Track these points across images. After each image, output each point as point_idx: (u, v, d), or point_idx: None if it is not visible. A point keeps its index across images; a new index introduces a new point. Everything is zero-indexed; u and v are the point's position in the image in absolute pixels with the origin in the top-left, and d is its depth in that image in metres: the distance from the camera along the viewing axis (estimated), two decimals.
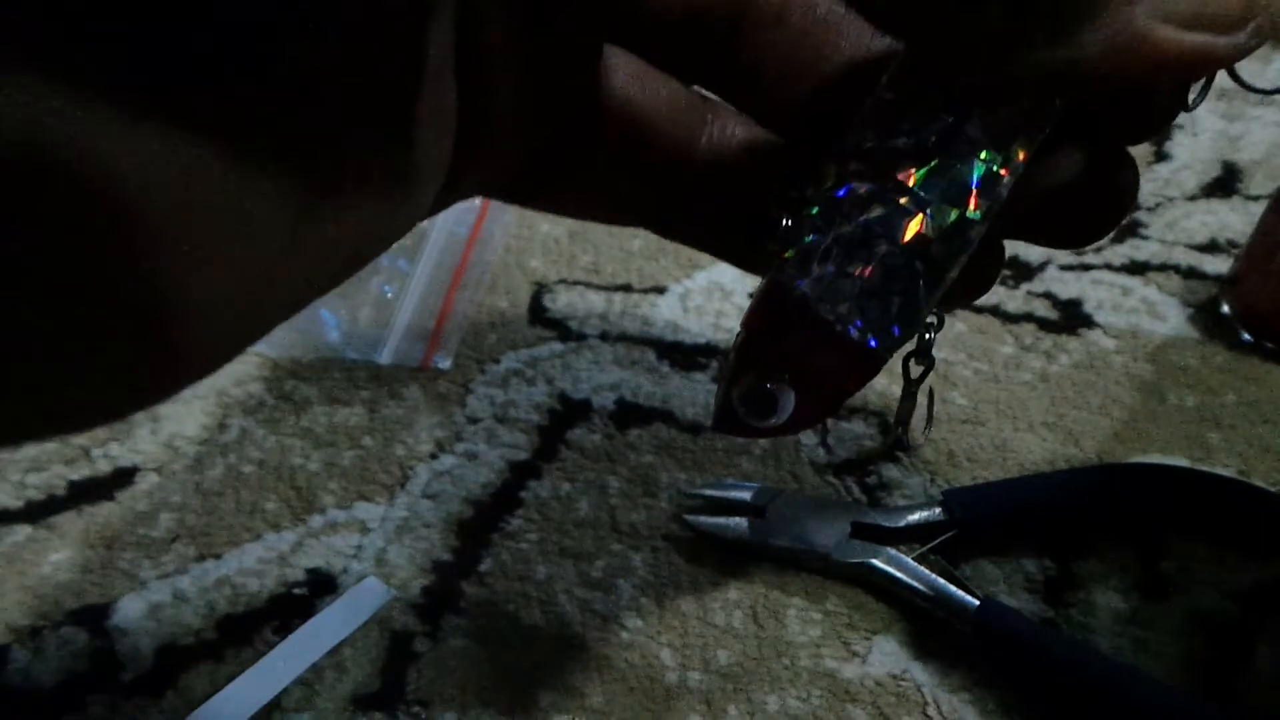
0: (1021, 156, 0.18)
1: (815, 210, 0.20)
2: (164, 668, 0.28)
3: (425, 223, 0.42)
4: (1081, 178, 0.19)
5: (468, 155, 0.18)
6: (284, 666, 0.28)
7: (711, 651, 0.28)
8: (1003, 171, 0.19)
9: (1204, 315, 0.38)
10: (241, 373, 0.37)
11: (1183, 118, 0.49)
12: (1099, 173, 0.19)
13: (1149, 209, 0.43)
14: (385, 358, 0.37)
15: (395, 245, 0.44)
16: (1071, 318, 0.38)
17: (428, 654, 0.28)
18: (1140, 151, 0.47)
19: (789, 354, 0.20)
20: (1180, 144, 0.47)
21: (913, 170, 0.19)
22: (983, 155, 0.18)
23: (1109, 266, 0.40)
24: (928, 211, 0.19)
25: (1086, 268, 0.40)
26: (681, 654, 0.28)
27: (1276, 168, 0.45)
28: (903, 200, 0.19)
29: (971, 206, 0.19)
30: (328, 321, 0.38)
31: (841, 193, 0.19)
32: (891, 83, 0.19)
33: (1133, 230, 0.42)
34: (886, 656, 0.28)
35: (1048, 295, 0.39)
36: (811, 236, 0.20)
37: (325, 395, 0.36)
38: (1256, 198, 0.43)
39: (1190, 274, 0.40)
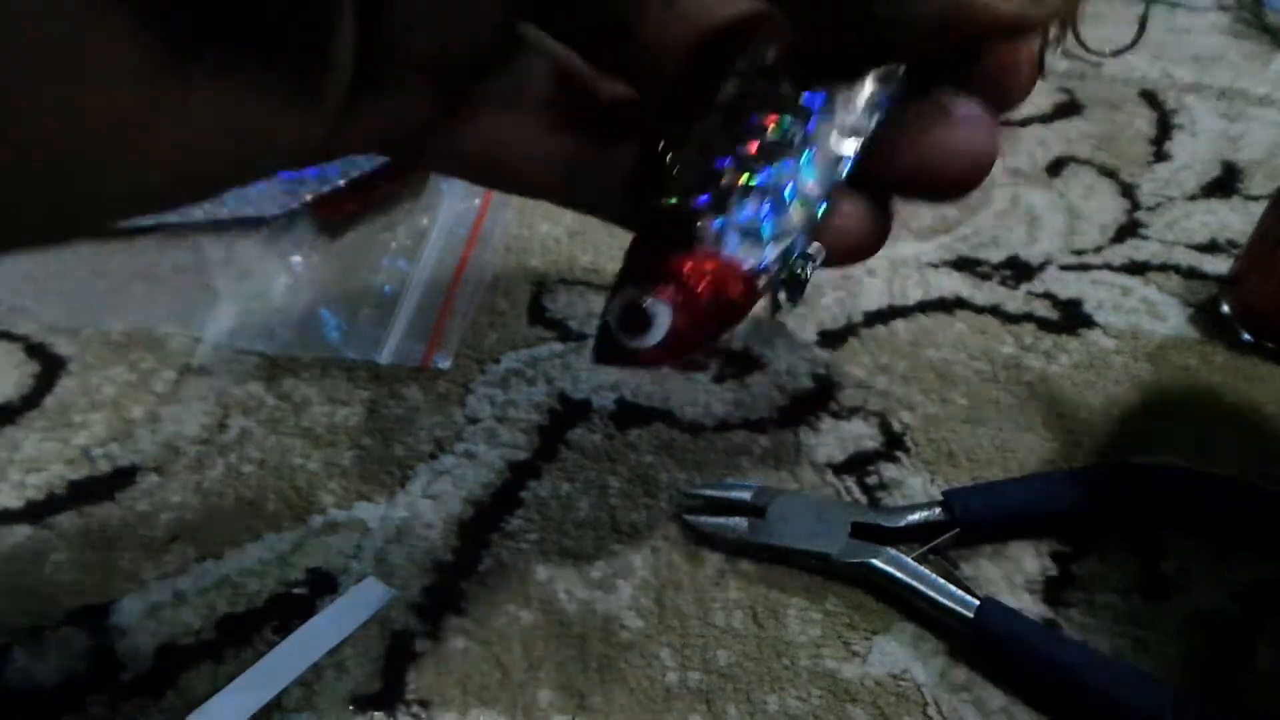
0: (877, 116, 0.20)
1: (702, 143, 0.21)
2: (164, 668, 0.28)
3: (425, 222, 0.43)
4: (926, 130, 0.21)
5: (368, 79, 0.18)
6: (284, 666, 0.28)
7: (711, 651, 0.28)
8: (866, 121, 0.20)
9: (1204, 315, 0.38)
10: (241, 373, 0.37)
11: (1183, 117, 0.49)
12: (939, 129, 0.21)
13: (1149, 209, 0.43)
14: (385, 358, 0.37)
15: (395, 245, 0.44)
16: (1071, 318, 0.38)
17: (428, 654, 0.28)
18: (1140, 152, 0.47)
19: (666, 269, 0.21)
20: (1180, 144, 0.47)
21: (791, 116, 0.20)
22: (848, 106, 0.20)
23: (1109, 266, 0.40)
24: (803, 150, 0.20)
25: (1086, 268, 0.40)
26: (681, 654, 0.28)
27: (1276, 168, 0.45)
28: (781, 138, 0.20)
29: (840, 152, 0.21)
30: (328, 321, 0.38)
31: (721, 141, 0.21)
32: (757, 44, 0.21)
33: (1133, 230, 0.42)
34: (886, 656, 0.28)
35: (1048, 295, 0.39)
36: (696, 170, 0.21)
37: (325, 395, 0.36)
38: (1256, 198, 0.43)
39: (1190, 274, 0.40)
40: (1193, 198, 0.44)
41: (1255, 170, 0.45)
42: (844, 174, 0.21)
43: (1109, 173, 0.45)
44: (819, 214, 0.21)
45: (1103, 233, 0.42)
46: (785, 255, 0.21)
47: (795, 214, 0.21)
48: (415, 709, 0.27)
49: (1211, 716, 0.26)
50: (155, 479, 0.33)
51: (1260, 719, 0.26)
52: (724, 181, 0.21)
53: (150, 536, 0.31)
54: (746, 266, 0.21)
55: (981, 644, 0.27)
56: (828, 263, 0.22)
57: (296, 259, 0.41)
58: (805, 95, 0.20)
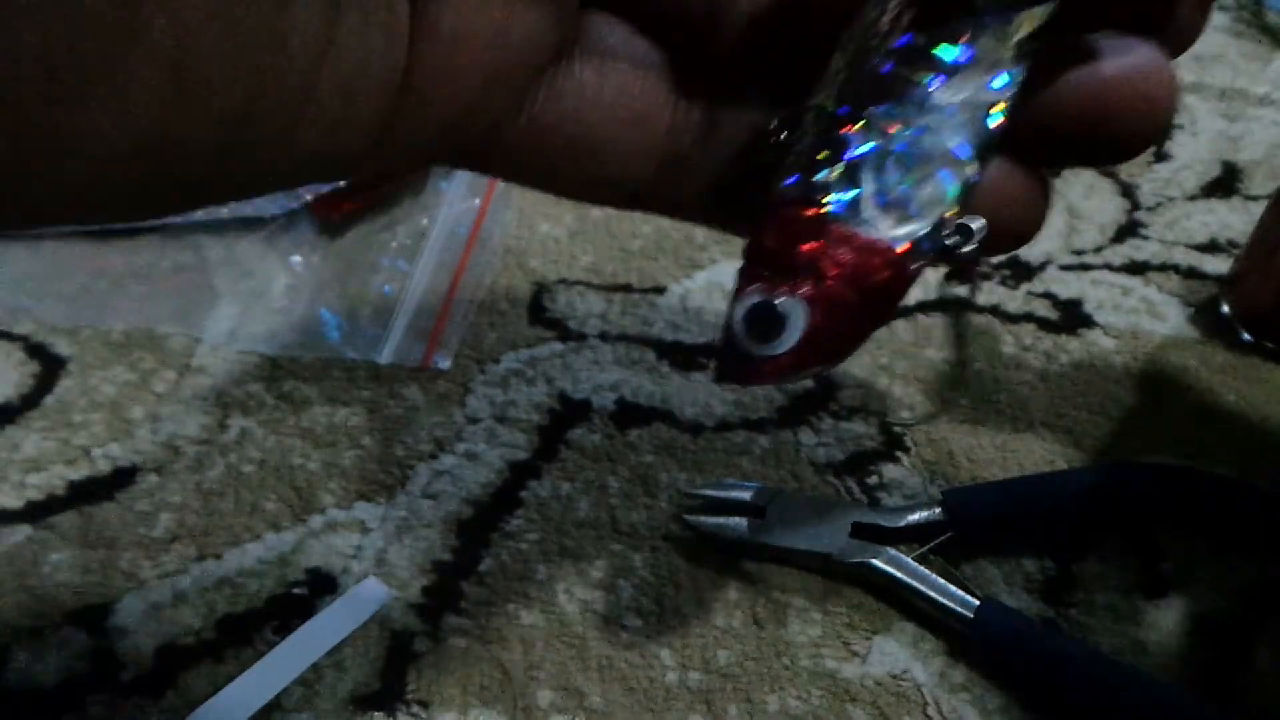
0: (1027, 63, 0.17)
1: (821, 113, 0.18)
2: (164, 668, 0.28)
3: (425, 222, 0.43)
4: (1099, 74, 0.18)
5: (421, 78, 0.17)
6: (284, 666, 0.28)
7: (711, 651, 0.28)
8: (1015, 70, 0.17)
9: (1204, 315, 0.38)
10: (241, 373, 0.37)
11: (1183, 117, 0.49)
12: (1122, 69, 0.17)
13: (1149, 209, 0.43)
14: (385, 358, 0.37)
15: (395, 245, 0.44)
16: (1071, 318, 0.38)
17: (428, 654, 0.28)
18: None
19: (795, 260, 0.18)
20: (1180, 144, 0.47)
21: (926, 72, 0.17)
22: (994, 53, 0.17)
23: (1109, 266, 0.40)
24: (945, 107, 0.17)
25: (1086, 268, 0.40)
26: (681, 654, 0.28)
27: (1276, 168, 0.45)
28: (917, 96, 0.17)
29: (989, 104, 0.17)
30: (328, 321, 0.38)
31: (844, 106, 0.18)
32: None
33: (1133, 230, 0.42)
34: (886, 656, 0.28)
35: (1048, 295, 0.39)
36: (818, 142, 0.18)
37: (325, 395, 0.36)
38: (1256, 198, 0.43)
39: (1190, 274, 0.40)
40: (1193, 198, 0.44)
41: (1255, 170, 0.45)
42: (995, 131, 0.17)
43: (1109, 173, 0.45)
44: (971, 179, 0.18)
45: (1103, 233, 0.42)
46: (937, 231, 0.18)
47: (944, 180, 0.17)
48: (415, 709, 0.27)
49: (1211, 716, 0.26)
50: (155, 479, 0.33)
51: (1260, 719, 0.26)
52: (855, 151, 0.17)
53: (150, 536, 0.31)
54: (894, 246, 0.18)
55: (981, 644, 0.27)
56: (991, 247, 0.19)
57: (296, 259, 0.41)
58: (942, 45, 0.17)
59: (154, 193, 0.15)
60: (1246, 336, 0.36)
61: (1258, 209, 0.37)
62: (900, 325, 0.38)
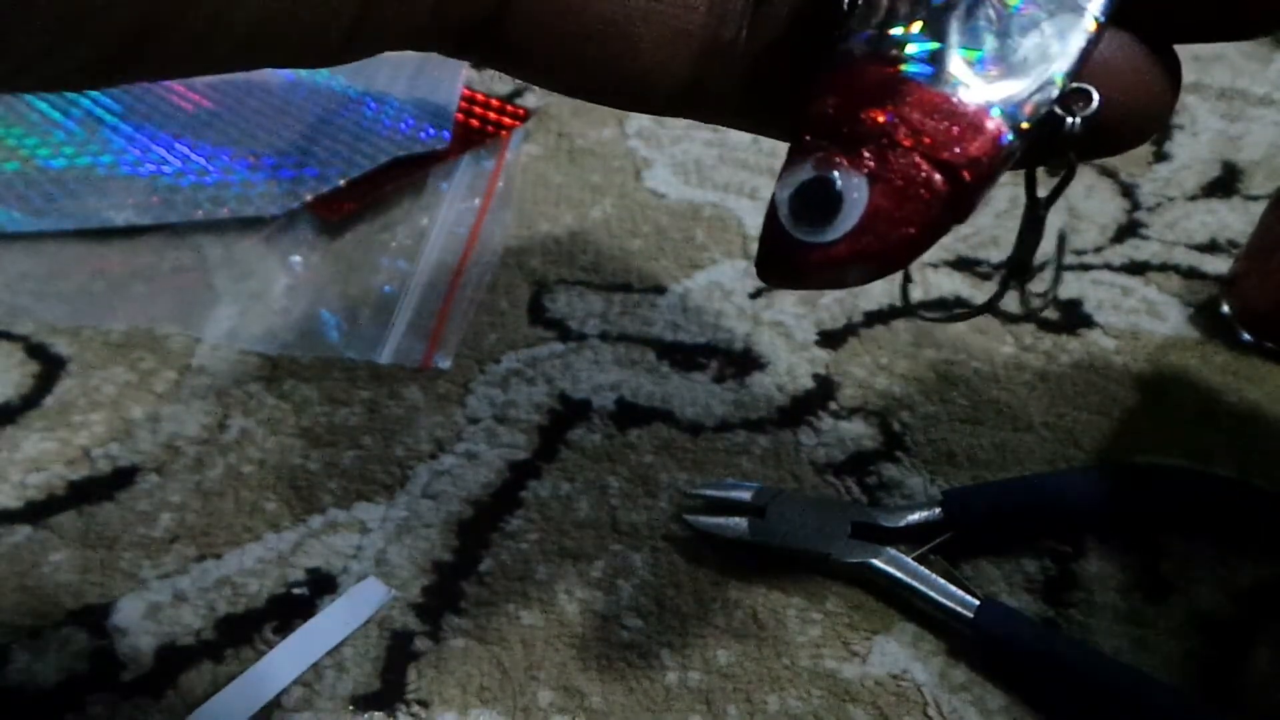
0: None
1: None
2: (164, 668, 0.28)
3: (425, 222, 0.43)
4: None
5: None
6: (284, 666, 0.28)
7: (711, 651, 0.28)
8: None
9: (1204, 315, 0.38)
10: (241, 373, 0.37)
11: (1183, 117, 0.49)
12: None
13: (1149, 209, 0.43)
14: (385, 358, 0.37)
15: (395, 245, 0.44)
16: (1071, 318, 0.38)
17: (428, 654, 0.28)
18: (1140, 152, 0.47)
19: (860, 126, 0.14)
20: (1180, 144, 0.47)
21: None
22: None
23: (1109, 266, 0.40)
24: None
25: (1086, 268, 0.40)
26: (681, 654, 0.28)
27: (1276, 168, 0.45)
28: None
29: None
30: (328, 321, 0.38)
31: None
32: None
33: (1133, 230, 0.42)
34: (886, 656, 0.28)
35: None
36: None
37: (325, 395, 0.36)
38: (1256, 198, 0.43)
39: (1190, 274, 0.40)
40: (1193, 198, 0.44)
41: (1255, 170, 0.45)
42: None
43: (1109, 173, 0.45)
44: (1091, 37, 0.14)
45: (1103, 233, 0.42)
46: (1044, 95, 0.14)
47: (1056, 31, 0.14)
48: (415, 709, 0.27)
49: (1211, 716, 0.26)
50: (155, 479, 0.33)
51: (1260, 719, 0.26)
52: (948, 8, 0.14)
53: (150, 536, 0.31)
54: (986, 113, 0.14)
55: (981, 644, 0.27)
56: (1106, 134, 0.15)
57: (296, 259, 0.41)
58: None
59: (316, 37, 0.15)
60: (1246, 336, 0.36)
61: (1258, 209, 0.37)
62: (900, 325, 0.38)
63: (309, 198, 0.42)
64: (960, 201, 0.15)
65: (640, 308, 0.39)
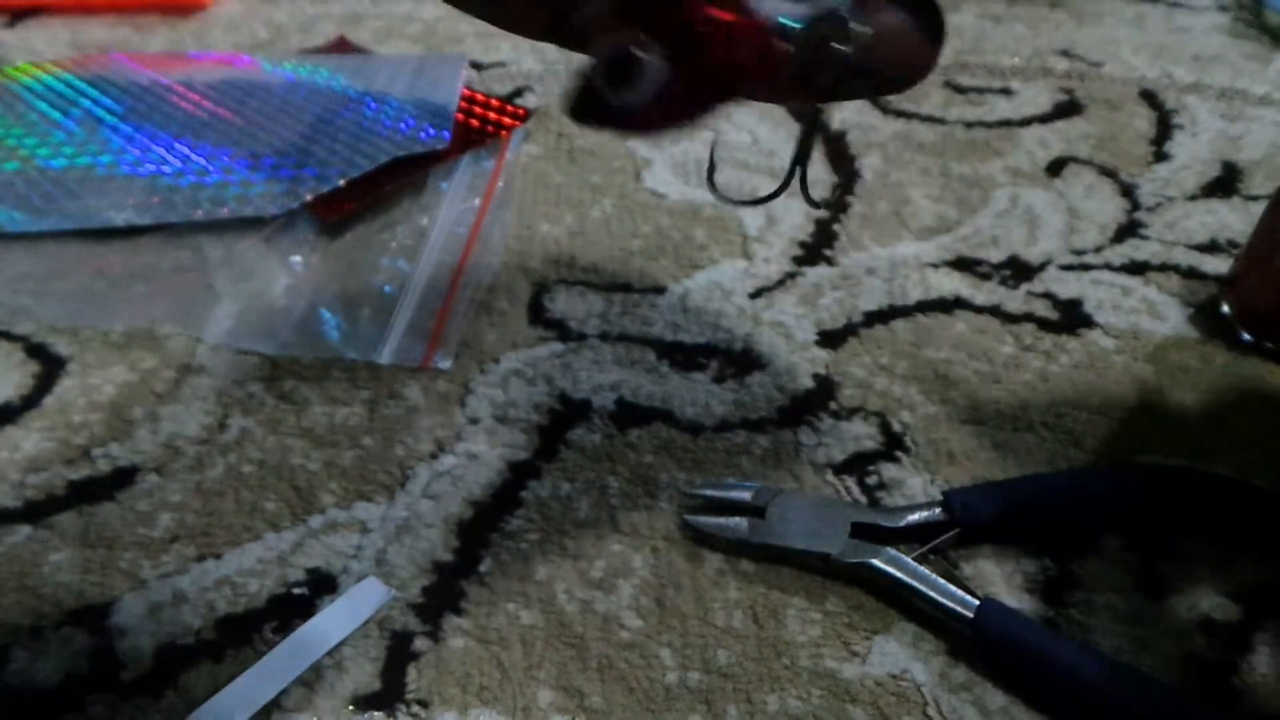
0: None
1: None
2: (164, 668, 0.28)
3: (425, 222, 0.43)
4: None
5: None
6: (284, 666, 0.28)
7: (711, 651, 0.28)
8: None
9: (1204, 315, 0.38)
10: (241, 373, 0.37)
11: (1183, 117, 0.49)
12: None
13: (1149, 209, 0.43)
14: (385, 358, 0.37)
15: (395, 245, 0.44)
16: (1071, 318, 0.38)
17: (428, 654, 0.28)
18: (1140, 152, 0.47)
19: (666, 15, 0.17)
20: (1180, 144, 0.47)
21: None
22: None
23: (1109, 266, 0.40)
24: None
25: (1086, 268, 0.40)
26: (681, 654, 0.28)
27: (1276, 168, 0.45)
28: None
29: None
30: (328, 321, 0.38)
31: None
32: None
33: (1133, 230, 0.42)
34: (886, 656, 0.28)
35: (1048, 295, 0.39)
36: None
37: (325, 395, 0.36)
38: (1256, 198, 0.43)
39: (1190, 274, 0.40)
40: (1193, 198, 0.44)
41: (1255, 170, 0.45)
42: None
43: (1109, 173, 0.45)
44: None
45: (1103, 233, 0.42)
46: (817, 20, 0.17)
47: None
48: (415, 709, 0.27)
49: (1211, 716, 0.26)
50: (155, 479, 0.33)
51: (1260, 719, 0.26)
52: None
53: (150, 536, 0.31)
54: (769, 22, 0.17)
55: (981, 644, 0.27)
56: (880, 82, 0.18)
57: (296, 259, 0.41)
58: None
59: None
60: (1246, 336, 0.36)
61: (1258, 209, 0.37)
62: (900, 325, 0.38)
63: (309, 198, 0.42)
64: (736, 86, 0.18)
65: (640, 308, 0.39)
